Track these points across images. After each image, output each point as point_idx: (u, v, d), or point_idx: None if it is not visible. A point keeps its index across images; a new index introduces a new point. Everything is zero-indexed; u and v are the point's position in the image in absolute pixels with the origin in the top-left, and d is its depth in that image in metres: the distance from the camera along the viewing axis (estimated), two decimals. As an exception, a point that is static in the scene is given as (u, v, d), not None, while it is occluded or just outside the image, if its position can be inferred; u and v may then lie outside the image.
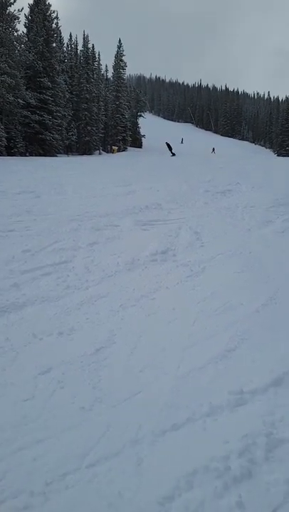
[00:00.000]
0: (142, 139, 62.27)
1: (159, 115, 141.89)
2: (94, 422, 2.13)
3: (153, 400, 2.33)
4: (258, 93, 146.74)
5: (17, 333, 3.05)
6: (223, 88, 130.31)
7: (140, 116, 62.12)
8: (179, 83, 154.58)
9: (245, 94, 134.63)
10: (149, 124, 73.43)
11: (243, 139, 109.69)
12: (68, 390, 2.39)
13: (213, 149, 58.24)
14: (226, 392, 2.38)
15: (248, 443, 1.98)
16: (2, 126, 29.70)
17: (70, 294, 3.87)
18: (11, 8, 30.80)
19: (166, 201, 9.18)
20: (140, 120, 62.66)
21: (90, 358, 2.73)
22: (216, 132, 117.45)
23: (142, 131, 62.54)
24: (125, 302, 3.71)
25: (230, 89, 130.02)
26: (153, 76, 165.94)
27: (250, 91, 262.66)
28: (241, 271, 4.66)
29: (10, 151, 30.90)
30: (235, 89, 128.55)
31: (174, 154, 34.82)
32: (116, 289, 4.03)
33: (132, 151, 53.02)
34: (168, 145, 36.66)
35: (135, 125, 60.74)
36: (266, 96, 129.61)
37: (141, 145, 60.72)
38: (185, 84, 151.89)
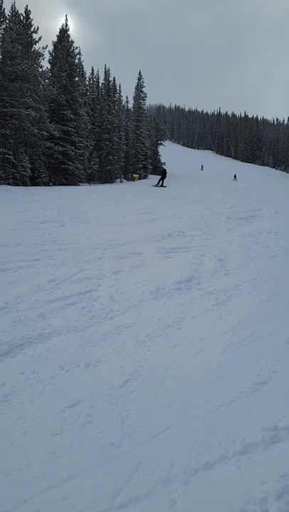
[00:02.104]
0: (163, 166, 63.07)
1: (179, 143, 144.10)
2: (123, 459, 2.07)
3: (183, 436, 2.26)
4: (277, 119, 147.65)
5: (44, 364, 3.04)
6: (242, 115, 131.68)
7: (160, 144, 63.15)
8: (198, 111, 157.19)
9: (264, 120, 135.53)
10: (169, 151, 74.53)
11: (263, 164, 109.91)
12: (97, 424, 2.35)
13: (235, 176, 56.99)
14: (259, 428, 2.29)
15: (286, 484, 1.88)
16: (27, 158, 30.62)
17: (95, 323, 3.86)
18: (36, 46, 32.31)
19: (189, 228, 9.20)
20: (160, 148, 63.66)
21: (118, 391, 2.69)
22: (236, 158, 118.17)
23: (163, 159, 63.42)
24: (151, 332, 3.67)
25: (250, 115, 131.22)
26: (173, 105, 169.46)
27: (270, 117, 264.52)
28: (268, 299, 4.57)
29: (34, 181, 31.73)
30: (254, 116, 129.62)
31: (161, 185, 28.69)
32: (141, 319, 4.00)
33: (152, 178, 53.68)
34: (163, 173, 30.62)
35: (156, 153, 61.69)
36: (286, 121, 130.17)
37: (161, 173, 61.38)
38: (204, 112, 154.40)
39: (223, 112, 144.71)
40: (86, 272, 5.51)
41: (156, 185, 27.80)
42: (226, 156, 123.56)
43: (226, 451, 2.12)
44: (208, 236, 8.35)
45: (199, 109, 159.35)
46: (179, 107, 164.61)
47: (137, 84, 55.30)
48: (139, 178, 49.78)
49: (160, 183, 28.95)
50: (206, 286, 5.05)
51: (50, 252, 6.69)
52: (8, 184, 28.47)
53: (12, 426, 2.32)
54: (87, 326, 3.78)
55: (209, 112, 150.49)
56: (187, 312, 4.18)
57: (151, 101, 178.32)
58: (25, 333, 3.53)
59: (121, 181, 47.28)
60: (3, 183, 28.36)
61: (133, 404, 2.55)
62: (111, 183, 44.25)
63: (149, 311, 4.19)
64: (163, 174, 30.47)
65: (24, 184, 30.07)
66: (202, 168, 75.45)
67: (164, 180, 29.71)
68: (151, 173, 56.92)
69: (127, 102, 58.33)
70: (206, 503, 1.81)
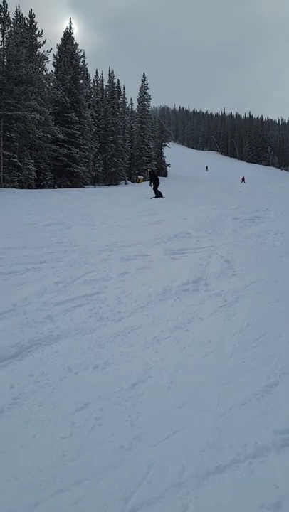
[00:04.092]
0: (167, 168, 63.13)
1: (183, 144, 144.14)
2: (134, 463, 2.05)
3: (194, 439, 2.23)
4: (282, 119, 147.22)
5: (52, 366, 3.03)
6: (247, 116, 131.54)
7: (165, 146, 63.22)
8: (203, 112, 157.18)
9: (269, 121, 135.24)
10: (173, 153, 74.60)
11: (268, 164, 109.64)
12: (106, 427, 2.33)
13: (243, 179, 54.30)
14: (271, 431, 2.26)
15: (300, 488, 1.85)
16: (32, 161, 30.74)
17: (103, 325, 3.84)
18: (40, 50, 32.44)
19: (195, 229, 9.17)
20: (165, 150, 63.72)
21: (127, 393, 2.67)
22: (240, 159, 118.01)
23: (167, 161, 63.49)
24: (159, 334, 3.65)
25: (254, 116, 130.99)
26: (177, 107, 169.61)
27: (275, 117, 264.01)
28: (277, 300, 4.54)
29: (39, 183, 31.86)
30: (259, 116, 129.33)
31: (158, 195, 20.77)
32: (149, 321, 3.98)
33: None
34: (151, 176, 22.22)
35: (160, 155, 61.76)
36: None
37: (166, 174, 61.52)
38: (209, 113, 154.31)
39: (227, 112, 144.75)
40: (93, 274, 5.51)
41: (154, 198, 20.21)
42: (230, 156, 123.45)
43: (238, 454, 2.10)
44: (214, 237, 8.32)
45: (203, 110, 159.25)
46: (183, 108, 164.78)
47: (141, 86, 55.45)
48: (144, 180, 49.84)
49: (156, 193, 21.07)
50: (213, 287, 5.03)
51: (57, 254, 6.69)
52: (14, 187, 28.59)
53: (21, 429, 2.30)
54: (95, 328, 3.77)
55: (214, 113, 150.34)
56: (195, 314, 4.16)
57: (155, 102, 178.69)
58: (33, 335, 3.52)
59: (126, 183, 47.34)
60: (9, 186, 28.47)
61: (142, 406, 2.53)
62: (116, 185, 44.35)
63: (156, 313, 4.17)
64: (153, 179, 21.82)
65: (29, 187, 30.18)
66: (207, 169, 75.41)
67: (159, 187, 21.60)
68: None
69: (132, 103, 58.54)
70: (218, 508, 1.78)
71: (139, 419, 2.40)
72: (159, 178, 22.50)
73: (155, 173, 23.29)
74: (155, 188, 21.50)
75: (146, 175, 24.46)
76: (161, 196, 20.54)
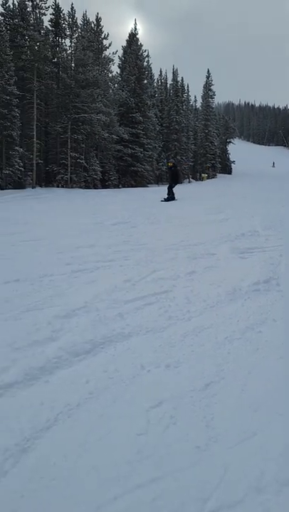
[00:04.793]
0: (232, 165, 61.93)
1: (248, 140, 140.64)
2: (210, 464, 2.03)
3: (271, 444, 2.17)
4: None
5: (125, 363, 3.08)
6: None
7: (229, 142, 62.04)
8: (269, 107, 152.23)
9: None
10: (238, 149, 73.04)
11: None
12: (181, 426, 2.33)
13: None
14: None
15: None
16: (97, 161, 31.57)
17: (172, 324, 3.85)
18: (106, 52, 33.18)
19: (263, 227, 8.92)
20: (230, 146, 62.56)
21: (200, 394, 2.65)
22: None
23: (232, 157, 62.27)
24: (230, 335, 3.59)
25: None
26: (242, 102, 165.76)
27: None
28: None
29: (104, 183, 32.65)
30: None
31: (169, 197, 17.41)
32: (219, 321, 3.93)
33: (221, 177, 52.94)
34: (173, 174, 18.20)
35: (224, 152, 60.74)
36: None
37: (231, 171, 60.40)
38: (276, 107, 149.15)
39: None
40: (160, 273, 5.54)
41: (165, 200, 17.29)
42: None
43: None
44: (284, 236, 8.03)
45: (270, 104, 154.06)
46: (248, 103, 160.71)
47: (206, 83, 54.83)
48: (208, 178, 49.28)
49: (170, 194, 17.58)
50: (285, 287, 4.85)
51: (124, 252, 6.81)
52: (80, 187, 29.54)
53: (98, 423, 2.37)
54: (165, 327, 3.78)
55: (281, 107, 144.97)
56: (267, 314, 4.04)
57: (219, 99, 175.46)
58: (105, 332, 3.61)
59: (189, 181, 47.12)
60: (76, 187, 29.46)
61: (216, 407, 2.50)
62: (179, 183, 44.24)
63: (226, 313, 4.11)
64: (173, 177, 18.18)
65: (95, 187, 31.04)
66: (273, 165, 72.97)
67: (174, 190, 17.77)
68: (220, 172, 56.13)
69: (195, 101, 58.17)
70: (302, 517, 1.72)
71: (214, 420, 2.37)
72: (181, 177, 19.68)
73: (177, 169, 19.29)
74: (170, 187, 17.74)
75: (167, 170, 19.96)
76: (174, 199, 17.30)
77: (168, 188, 17.86)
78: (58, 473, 1.98)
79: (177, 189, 18.15)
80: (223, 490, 1.85)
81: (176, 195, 17.53)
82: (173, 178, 18.12)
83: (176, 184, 18.12)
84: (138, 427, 2.32)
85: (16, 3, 29.98)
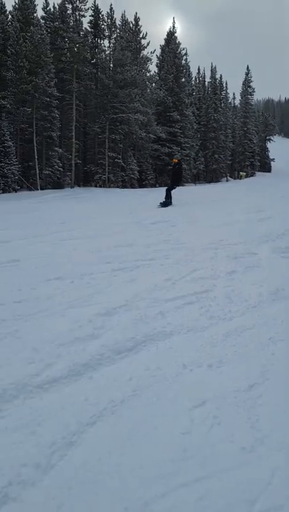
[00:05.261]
0: (271, 162, 60.67)
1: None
2: (257, 466, 2.00)
3: None
4: None
5: (167, 362, 3.08)
6: None
7: (269, 140, 60.80)
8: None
9: None
10: (278, 147, 71.37)
11: None
12: (225, 426, 2.31)
13: None
14: None
15: None
16: (135, 161, 31.74)
17: (214, 324, 3.82)
18: (144, 52, 33.30)
19: (305, 227, 8.67)
20: (269, 144, 61.30)
21: (244, 395, 2.62)
22: None
23: (271, 155, 61.00)
24: (274, 336, 3.52)
25: None
26: (282, 98, 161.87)
27: None
28: None
29: (141, 182, 32.79)
30: None
31: (166, 203, 14.37)
32: (262, 321, 3.86)
33: (260, 176, 51.94)
34: (174, 174, 15.37)
35: (264, 149, 59.60)
36: None
37: (270, 169, 59.16)
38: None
39: None
40: (200, 272, 5.50)
41: (162, 205, 14.36)
42: None
43: None
44: None
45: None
46: None
47: (245, 80, 53.94)
48: (246, 176, 48.50)
49: (167, 198, 14.68)
50: None
51: (163, 251, 6.80)
52: (117, 187, 29.80)
53: (142, 420, 2.38)
54: (206, 326, 3.76)
55: None
56: (312, 316, 3.93)
57: (258, 95, 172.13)
58: (146, 330, 3.63)
59: (227, 180, 46.56)
60: (113, 186, 29.75)
61: (262, 409, 2.46)
62: (216, 182, 43.79)
63: (269, 314, 4.03)
64: (175, 176, 15.35)
65: (132, 186, 31.24)
66: (314, 163, 70.90)
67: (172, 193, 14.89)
68: (259, 171, 55.11)
69: (234, 98, 57.44)
70: None
71: (260, 422, 2.33)
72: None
73: (181, 167, 16.39)
74: (169, 189, 14.81)
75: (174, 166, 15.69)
76: (170, 203, 14.52)
77: (166, 190, 14.94)
78: (104, 468, 2.01)
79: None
80: (272, 493, 1.82)
81: (173, 200, 14.73)
82: (175, 178, 15.33)
83: (177, 186, 15.37)
84: (182, 426, 2.32)
85: (57, 6, 30.60)
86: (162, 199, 14.75)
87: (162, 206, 14.27)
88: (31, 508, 1.78)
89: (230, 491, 1.85)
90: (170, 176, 15.70)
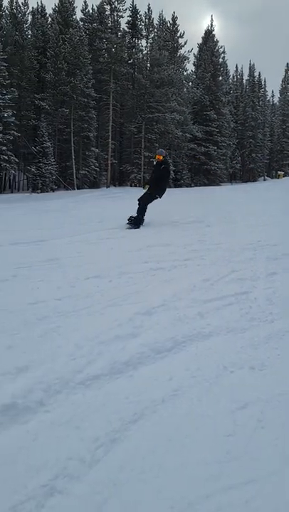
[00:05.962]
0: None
1: None
2: (303, 472, 1.96)
3: None
4: None
5: (207, 363, 3.07)
6: None
7: (308, 138, 59.18)
8: None
9: None
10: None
11: None
12: (269, 430, 2.27)
13: None
14: None
15: None
16: (170, 160, 31.65)
17: (255, 326, 3.77)
18: (182, 50, 33.21)
19: None
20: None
21: None
22: None
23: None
24: None
25: None
26: None
27: None
28: None
29: (177, 182, 32.68)
30: None
31: (136, 221, 9.30)
32: (306, 325, 3.77)
33: (298, 175, 50.68)
34: (161, 170, 9.80)
35: (302, 148, 58.05)
36: None
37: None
38: None
39: None
40: (239, 273, 5.43)
41: (131, 223, 9.50)
42: None
43: None
44: None
45: None
46: None
47: (284, 77, 52.76)
48: (284, 176, 47.46)
49: (140, 213, 9.73)
50: None
51: (200, 252, 6.77)
52: (153, 186, 29.80)
53: (184, 420, 2.38)
54: (247, 328, 3.71)
55: None
56: None
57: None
58: (185, 330, 3.62)
59: (264, 179, 45.71)
60: (149, 186, 29.79)
61: (308, 415, 2.41)
62: (254, 181, 43.08)
63: (313, 317, 3.93)
64: (160, 180, 10.07)
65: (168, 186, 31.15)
66: None
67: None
68: (297, 170, 53.75)
69: (273, 96, 56.21)
70: None
71: (305, 427, 2.29)
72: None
73: (169, 168, 11.00)
74: (146, 201, 9.84)
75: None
76: (141, 223, 9.67)
77: (141, 201, 9.83)
78: (147, 466, 2.02)
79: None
80: None
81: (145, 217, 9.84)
82: (158, 184, 10.01)
83: (159, 196, 10.04)
84: (225, 428, 2.30)
85: (96, 8, 30.99)
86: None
87: (132, 225, 9.48)
88: (77, 501, 1.81)
89: (275, 495, 1.82)
90: (152, 180, 10.21)
